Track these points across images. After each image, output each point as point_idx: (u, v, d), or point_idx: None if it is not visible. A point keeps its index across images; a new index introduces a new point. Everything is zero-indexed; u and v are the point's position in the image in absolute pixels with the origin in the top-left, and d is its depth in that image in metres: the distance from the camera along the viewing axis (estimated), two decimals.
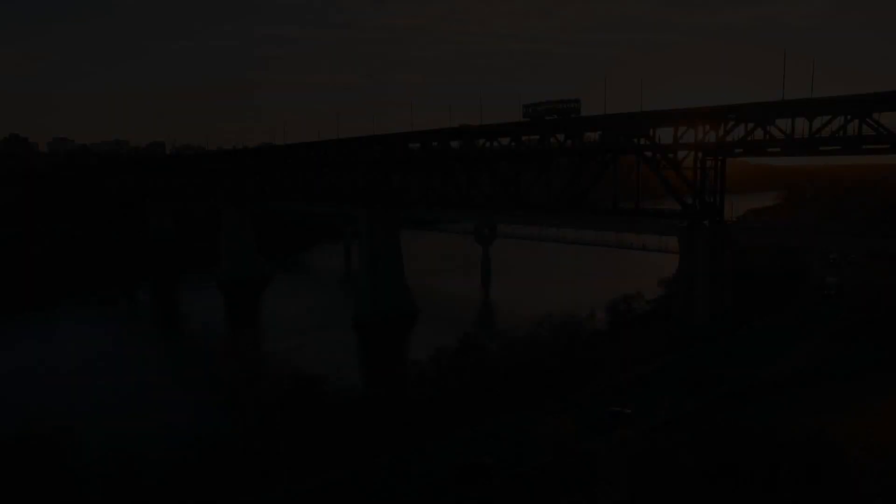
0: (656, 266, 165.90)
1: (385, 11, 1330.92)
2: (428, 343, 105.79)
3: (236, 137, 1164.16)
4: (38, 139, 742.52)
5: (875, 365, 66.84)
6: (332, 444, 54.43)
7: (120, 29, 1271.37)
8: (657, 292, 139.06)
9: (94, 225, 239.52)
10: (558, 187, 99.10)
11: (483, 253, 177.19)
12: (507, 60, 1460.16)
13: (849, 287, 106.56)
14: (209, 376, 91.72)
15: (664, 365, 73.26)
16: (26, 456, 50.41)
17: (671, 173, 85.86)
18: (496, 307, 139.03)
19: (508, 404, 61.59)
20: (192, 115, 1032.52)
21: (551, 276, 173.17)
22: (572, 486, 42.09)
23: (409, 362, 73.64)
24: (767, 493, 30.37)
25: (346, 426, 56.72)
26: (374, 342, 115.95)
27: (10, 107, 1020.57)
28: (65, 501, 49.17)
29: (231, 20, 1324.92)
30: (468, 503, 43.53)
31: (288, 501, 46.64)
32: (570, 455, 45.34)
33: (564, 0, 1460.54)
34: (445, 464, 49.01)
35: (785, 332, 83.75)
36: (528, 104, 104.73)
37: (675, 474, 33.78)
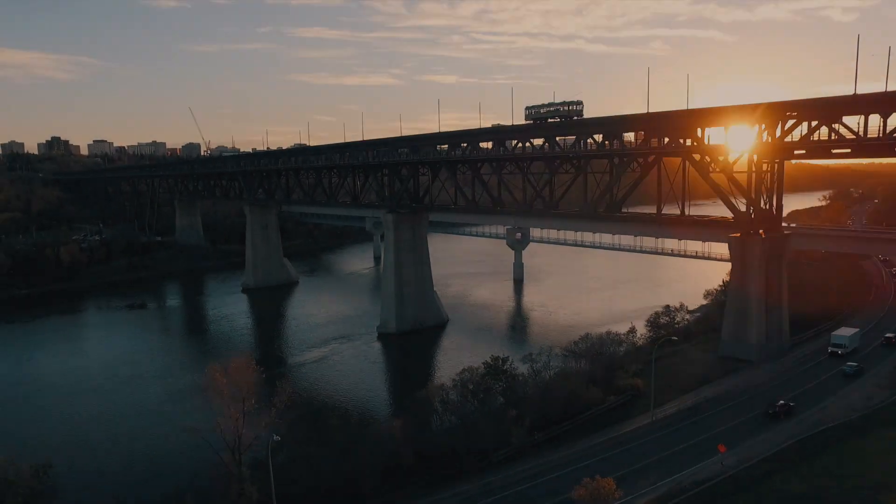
0: (699, 272, 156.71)
1: (418, 12, 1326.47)
2: (454, 360, 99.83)
3: (271, 139, 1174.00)
4: (80, 141, 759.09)
5: None
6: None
7: (157, 32, 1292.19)
8: (701, 303, 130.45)
9: (123, 227, 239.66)
10: (595, 191, 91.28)
11: (515, 258, 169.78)
12: (539, 59, 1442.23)
13: None
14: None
15: (721, 394, 65.30)
16: None
17: (720, 176, 77.51)
18: (529, 318, 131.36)
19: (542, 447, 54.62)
20: (227, 117, 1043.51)
21: (586, 281, 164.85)
22: None
23: (432, 384, 66.99)
24: None
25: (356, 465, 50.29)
26: (399, 356, 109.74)
27: (56, 109, 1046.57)
28: None
29: (265, 23, 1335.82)
30: None
31: None
32: None
33: None
34: None
35: (847, 357, 74.82)
36: (531, 106, 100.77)
37: None
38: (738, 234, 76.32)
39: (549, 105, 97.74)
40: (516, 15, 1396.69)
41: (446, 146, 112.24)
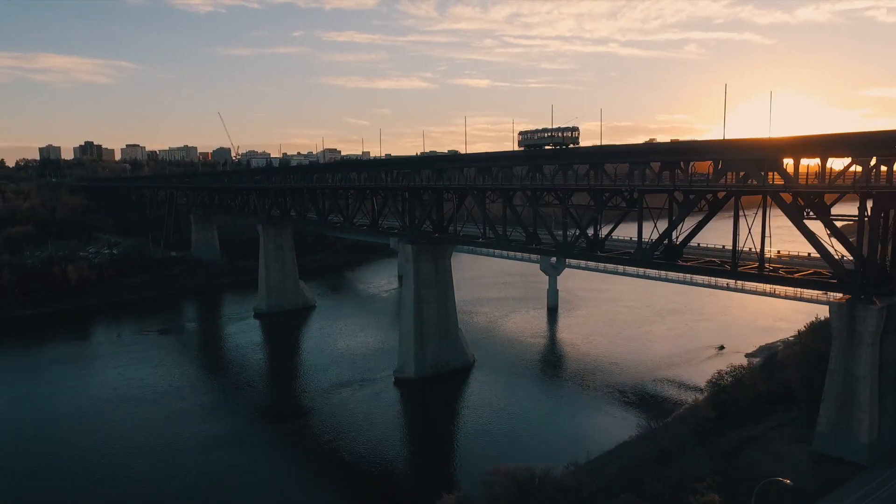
0: (752, 303, 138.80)
1: (450, 16, 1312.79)
2: (477, 420, 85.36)
3: (303, 143, 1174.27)
4: (116, 145, 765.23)
5: None
6: None
7: (193, 36, 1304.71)
8: (761, 343, 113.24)
9: (140, 241, 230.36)
10: (651, 232, 75.52)
11: (549, 284, 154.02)
12: (572, 63, 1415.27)
13: None
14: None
15: None
16: None
17: (817, 224, 61.15)
18: (565, 361, 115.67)
19: None
20: (260, 121, 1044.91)
21: (625, 311, 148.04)
22: None
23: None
24: None
25: None
26: (415, 411, 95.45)
27: (95, 113, 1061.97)
28: None
29: (299, 27, 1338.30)
30: None
31: None
32: None
33: (632, 1, 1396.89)
34: None
35: None
36: (525, 132, 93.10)
37: None
38: (845, 299, 59.66)
39: (544, 131, 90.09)
40: (549, 18, 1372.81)
41: (474, 169, 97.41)
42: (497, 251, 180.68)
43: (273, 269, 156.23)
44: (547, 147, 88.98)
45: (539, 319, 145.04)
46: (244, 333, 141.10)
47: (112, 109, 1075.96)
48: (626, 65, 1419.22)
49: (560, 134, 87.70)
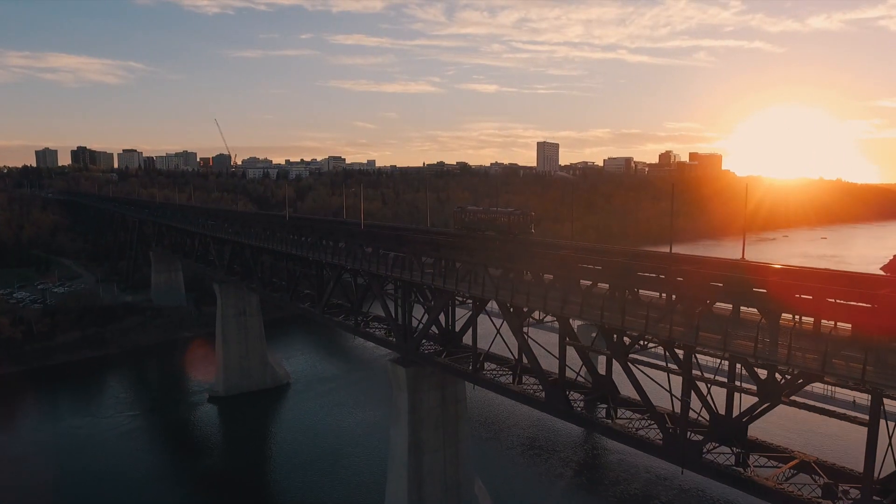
0: None
1: (458, 20, 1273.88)
2: None
3: (310, 146, 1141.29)
4: (119, 148, 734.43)
5: None
6: None
7: (201, 37, 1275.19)
8: None
9: (101, 276, 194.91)
10: None
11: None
12: (581, 69, 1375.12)
13: None
14: None
15: None
16: None
17: None
18: None
19: None
20: (268, 123, 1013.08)
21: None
22: None
23: None
24: None
25: None
26: None
27: (102, 114, 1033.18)
28: None
29: (307, 30, 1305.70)
30: None
31: None
32: None
33: (641, 8, 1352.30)
34: None
35: None
36: (461, 207, 79.16)
37: None
38: None
39: (485, 211, 75.05)
40: (557, 24, 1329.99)
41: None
42: None
43: (233, 342, 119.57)
44: (487, 232, 71.26)
45: None
46: (188, 429, 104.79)
47: (119, 111, 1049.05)
48: (635, 72, 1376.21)
49: (506, 219, 69.58)
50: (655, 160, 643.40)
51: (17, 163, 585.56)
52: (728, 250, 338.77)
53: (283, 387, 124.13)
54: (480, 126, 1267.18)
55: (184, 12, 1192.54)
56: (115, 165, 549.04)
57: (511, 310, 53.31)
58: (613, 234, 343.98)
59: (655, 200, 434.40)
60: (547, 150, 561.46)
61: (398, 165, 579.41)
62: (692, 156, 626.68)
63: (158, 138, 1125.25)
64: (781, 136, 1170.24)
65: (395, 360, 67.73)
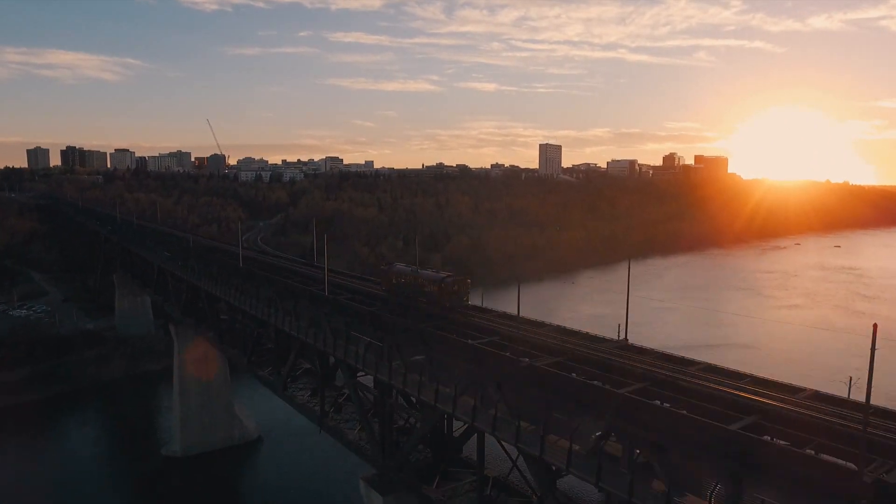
0: None
1: (457, 18, 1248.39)
2: None
3: (309, 143, 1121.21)
4: (117, 145, 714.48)
5: None
6: None
7: (199, 34, 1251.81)
8: None
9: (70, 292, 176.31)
10: None
11: None
12: (580, 68, 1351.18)
13: None
14: None
15: None
16: None
17: None
18: None
19: None
20: (267, 120, 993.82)
21: None
22: None
23: None
24: None
25: None
26: None
27: (101, 111, 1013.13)
28: None
29: (305, 27, 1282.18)
30: None
31: None
32: None
33: (641, 7, 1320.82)
34: None
35: None
36: (388, 266, 63.99)
37: None
38: None
39: (414, 273, 58.36)
40: (557, 23, 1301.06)
41: None
42: None
43: (193, 391, 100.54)
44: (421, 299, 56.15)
45: None
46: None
47: (116, 108, 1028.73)
48: (635, 71, 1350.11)
49: (435, 287, 54.59)
50: (656, 160, 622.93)
51: (11, 161, 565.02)
52: (738, 260, 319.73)
53: (254, 442, 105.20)
54: (480, 125, 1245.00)
55: (182, 8, 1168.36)
56: (108, 165, 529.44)
57: None
58: (618, 240, 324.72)
59: (660, 204, 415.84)
60: (549, 152, 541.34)
61: (397, 167, 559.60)
62: (697, 158, 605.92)
63: (156, 135, 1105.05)
64: (783, 137, 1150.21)
65: (369, 479, 48.60)
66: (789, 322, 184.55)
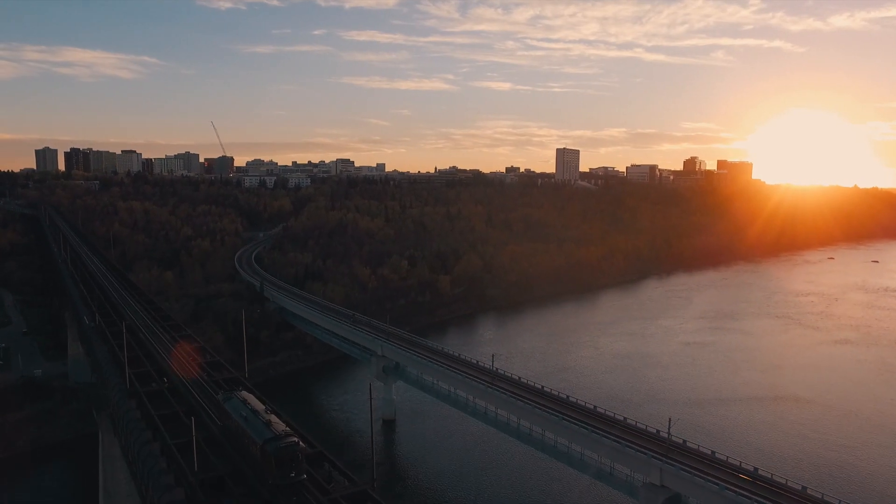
0: None
1: (472, 17, 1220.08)
2: None
3: (323, 142, 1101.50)
4: (132, 143, 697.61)
5: None
6: None
7: (214, 32, 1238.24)
8: None
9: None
10: None
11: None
12: (596, 67, 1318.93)
13: None
14: None
15: None
16: None
17: None
18: None
19: None
20: (281, 119, 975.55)
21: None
22: None
23: None
24: None
25: None
26: None
27: (117, 109, 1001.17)
28: None
29: (319, 25, 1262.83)
30: None
31: None
32: None
33: (658, 5, 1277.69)
34: None
35: None
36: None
37: None
38: None
39: (256, 416, 43.75)
40: (572, 21, 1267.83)
41: None
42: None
43: (124, 494, 77.93)
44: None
45: None
46: None
47: (131, 107, 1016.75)
48: (652, 70, 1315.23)
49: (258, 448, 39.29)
50: (673, 161, 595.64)
51: (25, 159, 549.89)
52: (769, 280, 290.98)
53: None
54: (494, 124, 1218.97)
55: (196, 7, 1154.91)
56: (116, 167, 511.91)
57: None
58: (644, 258, 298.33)
59: (684, 214, 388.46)
60: (567, 157, 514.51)
61: (410, 170, 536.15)
62: (720, 164, 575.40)
63: (169, 133, 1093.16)
64: (802, 139, 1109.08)
65: None
66: (848, 364, 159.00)
